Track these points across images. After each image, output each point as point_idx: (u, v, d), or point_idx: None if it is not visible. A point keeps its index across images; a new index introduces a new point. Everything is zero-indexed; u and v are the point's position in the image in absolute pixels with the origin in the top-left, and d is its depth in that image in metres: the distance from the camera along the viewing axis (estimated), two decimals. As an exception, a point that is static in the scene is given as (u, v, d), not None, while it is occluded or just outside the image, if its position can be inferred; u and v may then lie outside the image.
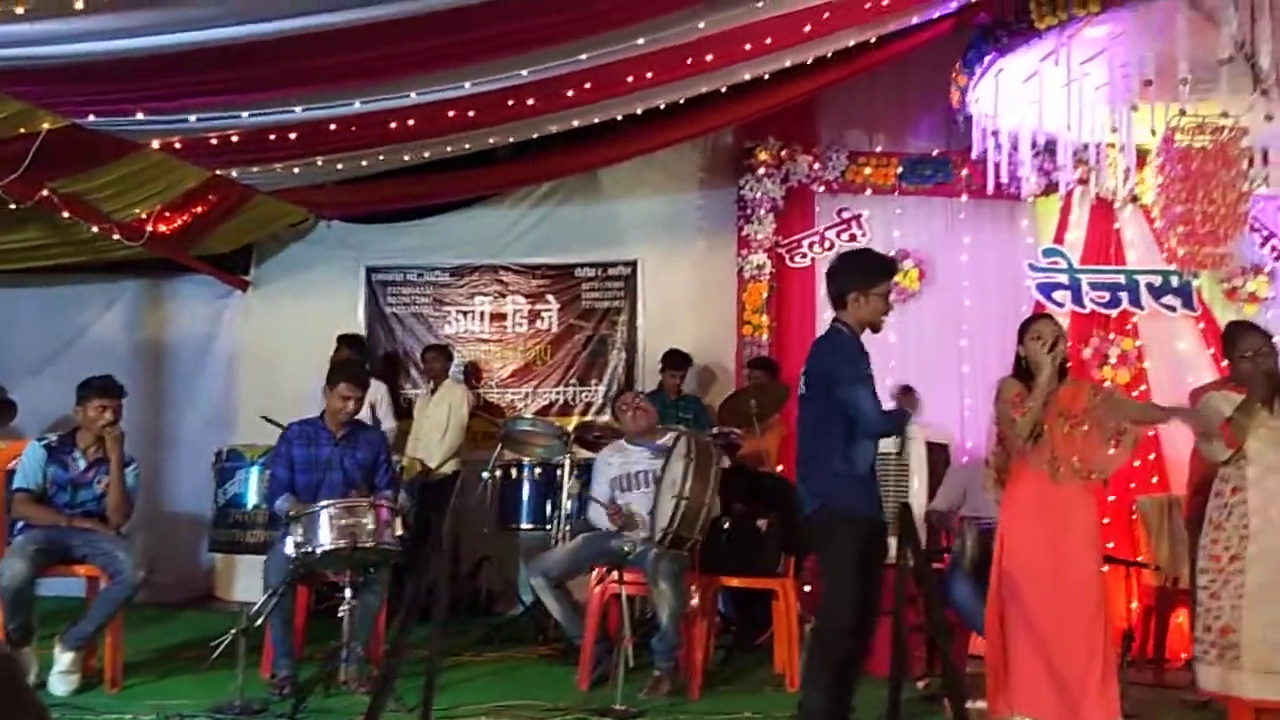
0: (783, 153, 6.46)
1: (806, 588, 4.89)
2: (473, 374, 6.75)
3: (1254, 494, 3.45)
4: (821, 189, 6.56)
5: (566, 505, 5.09)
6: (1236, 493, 3.49)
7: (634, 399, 4.78)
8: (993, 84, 5.29)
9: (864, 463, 3.18)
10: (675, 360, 6.14)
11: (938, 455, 5.39)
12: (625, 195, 6.75)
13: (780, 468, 5.73)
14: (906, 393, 5.63)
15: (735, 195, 6.53)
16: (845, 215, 6.60)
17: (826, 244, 6.56)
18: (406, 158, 5.62)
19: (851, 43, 5.40)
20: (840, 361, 3.16)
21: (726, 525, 4.47)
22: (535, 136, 5.66)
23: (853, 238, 6.56)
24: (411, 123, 4.81)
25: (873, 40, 5.47)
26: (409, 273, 6.87)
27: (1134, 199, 6.22)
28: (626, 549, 4.18)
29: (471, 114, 4.85)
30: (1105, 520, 5.80)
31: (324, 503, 3.90)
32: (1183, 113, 4.93)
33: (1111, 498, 5.93)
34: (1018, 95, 5.33)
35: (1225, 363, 3.99)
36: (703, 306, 6.58)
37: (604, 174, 6.71)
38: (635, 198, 6.75)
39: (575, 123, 5.53)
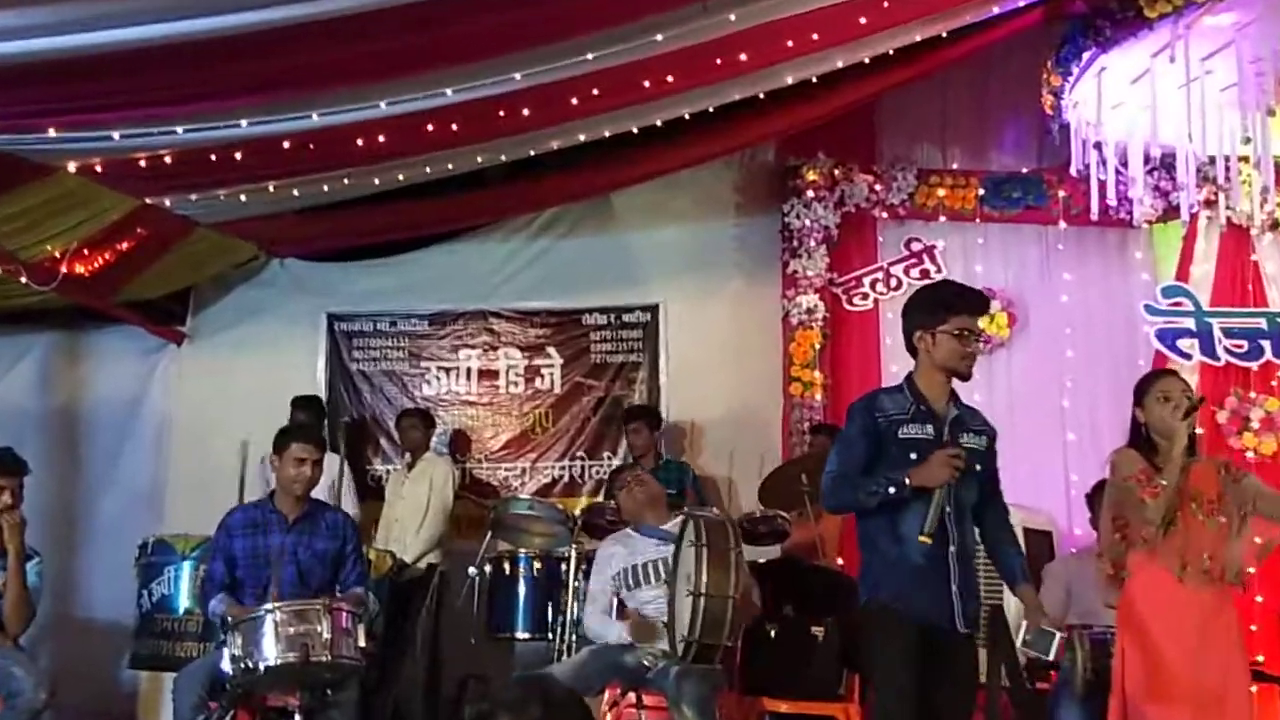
0: (836, 172, 6.47)
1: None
2: (458, 445, 6.71)
3: None
4: (885, 215, 6.54)
5: (572, 609, 4.96)
6: None
7: (632, 472, 4.70)
8: (1094, 86, 5.29)
9: (916, 549, 3.07)
10: (638, 414, 6.11)
11: (1038, 546, 5.27)
12: (643, 225, 6.77)
13: (841, 561, 5.61)
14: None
15: (778, 224, 6.53)
16: (915, 247, 6.58)
17: (893, 282, 6.52)
18: (376, 182, 5.66)
19: (919, 37, 5.41)
20: (845, 420, 3.25)
21: (773, 633, 4.40)
22: (533, 154, 5.70)
23: (925, 274, 6.52)
24: (382, 139, 4.84)
25: (944, 35, 5.48)
26: (379, 321, 6.89)
27: (1274, 224, 6.16)
28: (646, 663, 4.07)
29: (455, 128, 4.88)
30: (1252, 628, 5.65)
31: (268, 606, 3.82)
32: (1335, 115, 4.90)
33: (1259, 598, 5.75)
34: (1125, 99, 5.32)
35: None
36: (740, 360, 6.56)
37: (617, 199, 6.74)
38: (655, 228, 6.77)
39: (581, 137, 5.55)
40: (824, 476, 3.19)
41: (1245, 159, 5.55)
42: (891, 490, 3.03)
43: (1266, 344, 6.13)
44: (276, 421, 5.88)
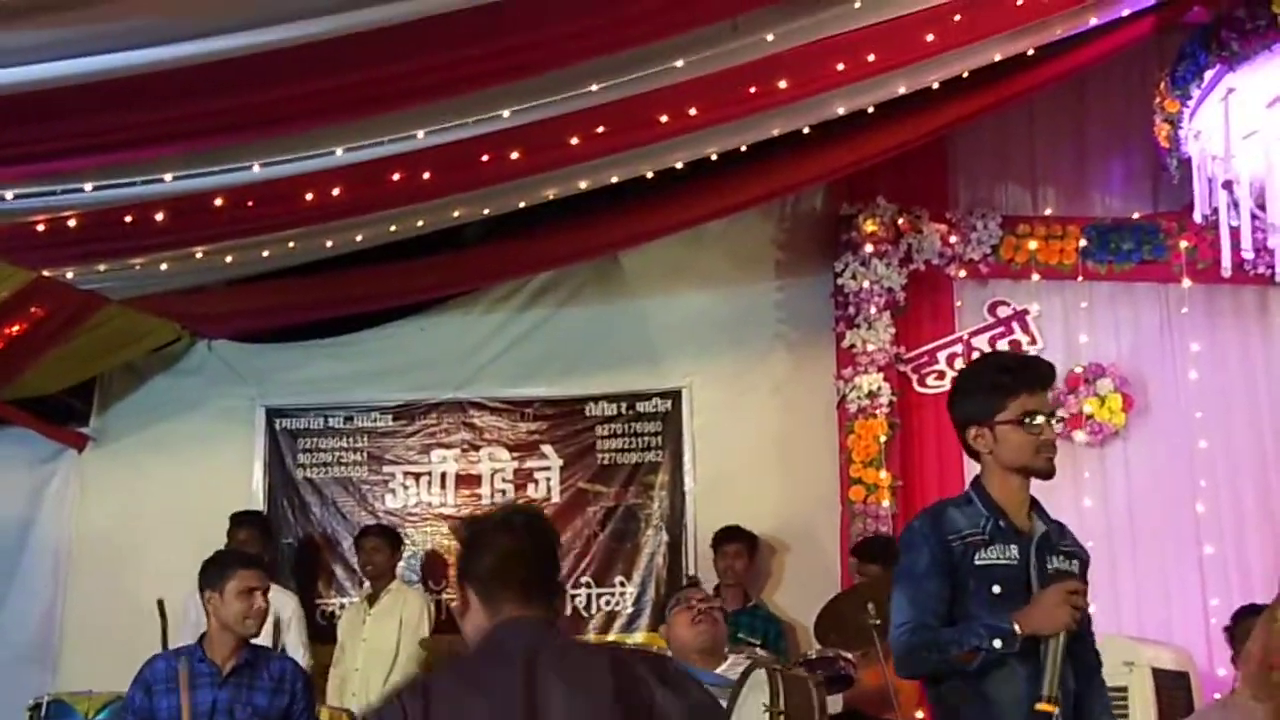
0: (900, 221, 6.54)
1: None
2: (432, 571, 6.70)
3: None
4: (963, 274, 6.60)
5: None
6: None
7: (707, 600, 4.67)
8: (1220, 111, 5.35)
9: (1005, 700, 2.90)
10: (732, 536, 6.12)
11: (1172, 691, 5.20)
12: (661, 291, 6.84)
13: (921, 716, 5.53)
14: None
15: (830, 286, 6.58)
16: (1002, 312, 6.62)
17: (974, 355, 6.53)
18: (329, 244, 5.72)
19: (998, 57, 5.50)
20: (901, 549, 3.07)
21: None
22: (523, 207, 5.75)
23: (1015, 346, 6.53)
24: (337, 192, 4.90)
25: (1030, 53, 5.57)
26: (331, 416, 6.91)
27: None
28: None
29: (426, 176, 4.94)
30: None
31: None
32: None
33: None
34: (1260, 127, 5.37)
35: None
36: (786, 458, 6.58)
37: (627, 261, 6.82)
38: (676, 295, 6.83)
39: (583, 185, 5.62)
40: (894, 631, 3.01)
41: None
42: (997, 644, 2.84)
43: None
44: (206, 545, 5.88)
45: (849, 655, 5.00)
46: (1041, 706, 2.81)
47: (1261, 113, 5.31)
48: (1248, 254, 5.70)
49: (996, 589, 2.92)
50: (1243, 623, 4.97)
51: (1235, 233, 5.60)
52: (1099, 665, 3.09)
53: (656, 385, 6.77)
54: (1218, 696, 5.54)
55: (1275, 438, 6.19)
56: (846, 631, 5.22)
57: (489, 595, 2.34)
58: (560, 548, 2.59)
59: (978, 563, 2.95)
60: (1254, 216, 5.63)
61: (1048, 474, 3.03)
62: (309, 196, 4.92)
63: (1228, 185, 5.54)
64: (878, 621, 5.18)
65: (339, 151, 4.60)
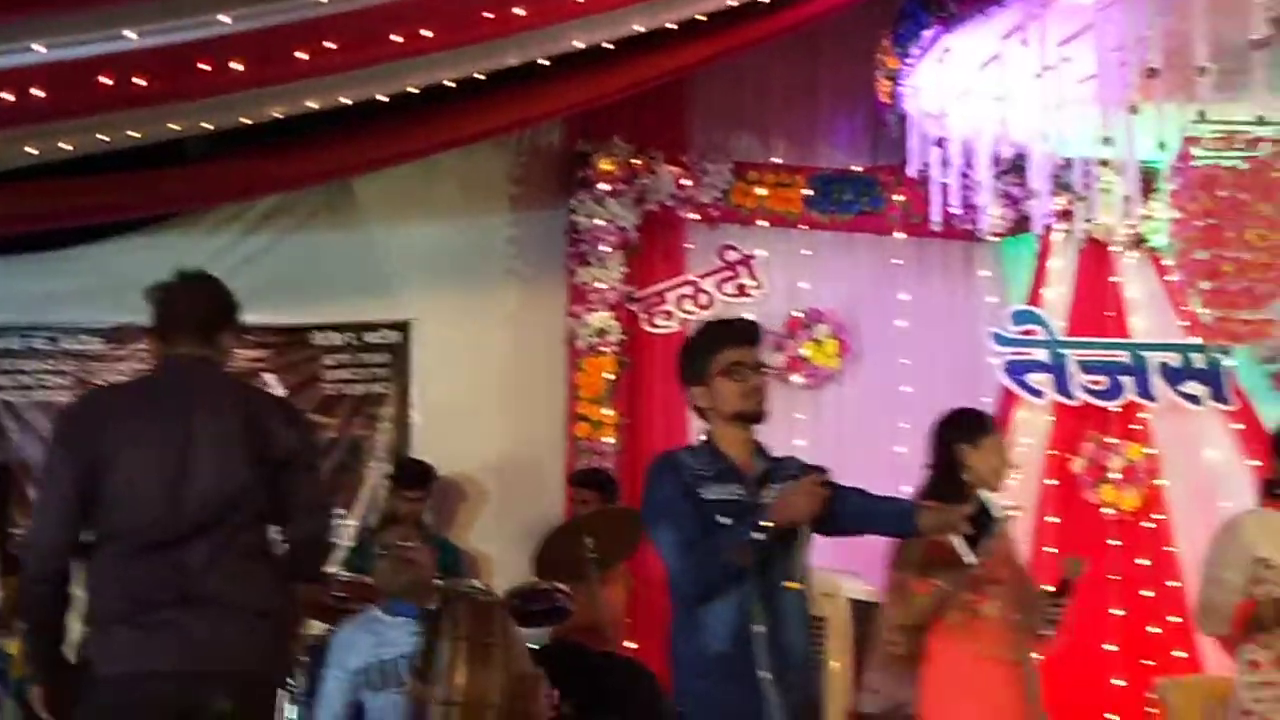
0: (636, 161, 6.54)
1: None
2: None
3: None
4: (696, 216, 6.65)
5: (290, 715, 4.78)
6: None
7: (403, 539, 4.63)
8: (937, 71, 5.51)
9: (718, 637, 3.18)
10: (410, 474, 6.05)
11: (871, 620, 5.39)
12: (393, 220, 6.67)
13: (636, 646, 5.60)
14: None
15: (565, 222, 6.56)
16: (731, 256, 6.73)
17: (703, 299, 6.64)
18: (32, 151, 5.32)
19: (734, 2, 5.53)
20: (645, 493, 3.36)
21: None
22: (249, 125, 5.51)
23: (741, 290, 6.66)
24: (41, 94, 4.60)
25: (767, 1, 5.63)
26: (34, 336, 6.53)
27: (1139, 241, 6.60)
28: None
29: (142, 83, 4.69)
30: (1112, 717, 5.99)
31: None
32: (1203, 117, 5.26)
33: (1123, 683, 6.10)
34: (973, 88, 5.57)
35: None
36: (514, 393, 6.55)
37: (360, 187, 6.62)
38: (409, 225, 6.68)
39: (311, 105, 5.41)
40: (671, 557, 3.23)
41: (1107, 163, 5.90)
42: (759, 535, 3.09)
43: (1128, 381, 6.51)
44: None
45: (564, 588, 5.04)
46: (790, 585, 3.21)
47: (974, 74, 5.49)
48: (956, 210, 5.90)
49: (725, 520, 3.18)
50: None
51: (945, 189, 5.80)
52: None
53: (385, 316, 6.62)
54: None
55: (971, 383, 6.46)
56: (564, 565, 5.26)
57: (164, 336, 3.38)
58: (234, 304, 3.52)
59: (706, 497, 3.22)
60: (963, 174, 5.85)
61: (759, 417, 3.32)
62: (8, 96, 4.57)
63: (940, 142, 5.74)
64: (596, 555, 5.23)
65: (39, 48, 4.28)
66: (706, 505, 3.21)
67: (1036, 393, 6.49)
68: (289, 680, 4.39)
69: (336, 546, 6.33)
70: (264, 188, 6.38)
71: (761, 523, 3.10)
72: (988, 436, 3.93)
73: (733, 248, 6.73)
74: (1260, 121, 5.19)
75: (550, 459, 6.45)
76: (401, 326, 6.62)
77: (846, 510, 3.23)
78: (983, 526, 3.28)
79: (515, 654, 4.29)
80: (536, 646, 4.93)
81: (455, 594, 4.25)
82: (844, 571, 5.81)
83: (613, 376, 6.39)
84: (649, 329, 6.62)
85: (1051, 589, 3.88)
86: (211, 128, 5.56)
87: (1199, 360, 6.47)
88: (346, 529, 6.40)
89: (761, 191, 6.66)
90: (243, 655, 3.17)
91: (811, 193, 6.67)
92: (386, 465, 6.50)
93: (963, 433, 3.96)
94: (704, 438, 3.36)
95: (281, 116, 5.48)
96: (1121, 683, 6.11)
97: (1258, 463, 5.82)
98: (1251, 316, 5.54)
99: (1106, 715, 6.05)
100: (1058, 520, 6.35)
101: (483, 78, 5.57)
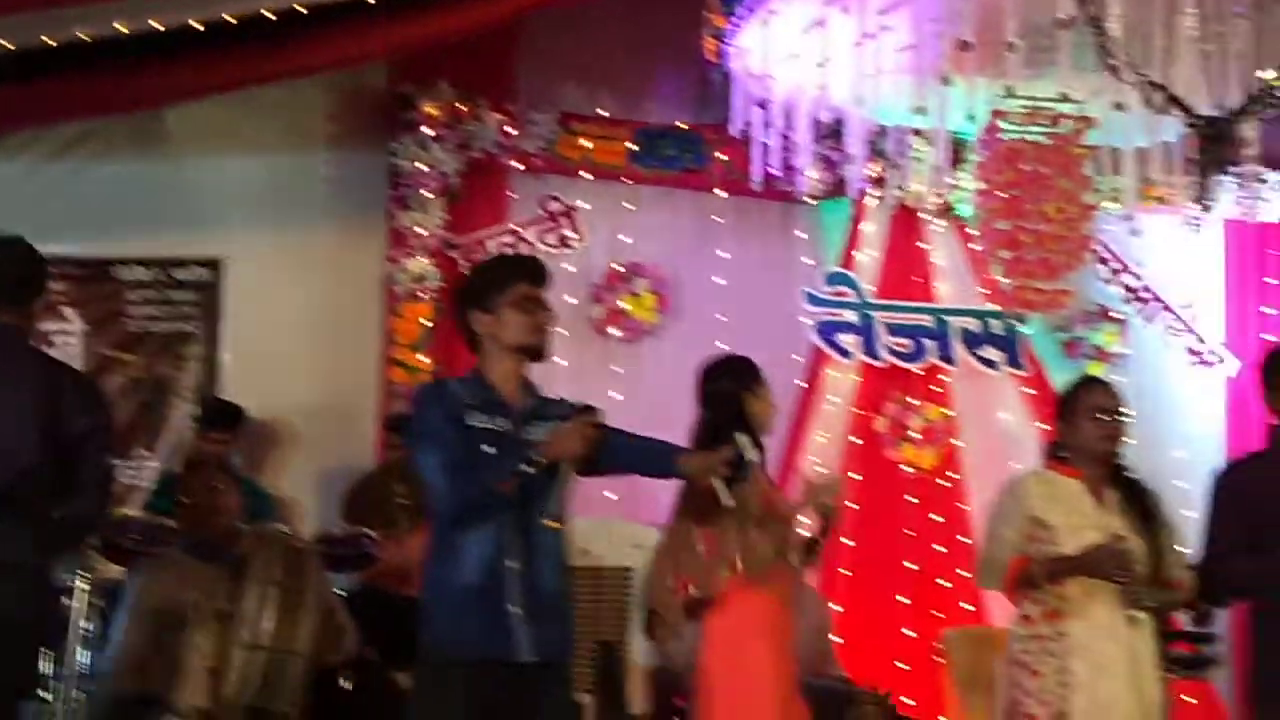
0: (461, 107, 6.45)
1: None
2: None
3: (1077, 624, 3.78)
4: (519, 165, 6.62)
5: (81, 658, 4.65)
6: (1054, 619, 3.81)
7: (204, 480, 4.55)
8: (762, 32, 5.57)
9: (471, 569, 3.19)
10: (218, 415, 5.93)
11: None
12: (207, 153, 6.47)
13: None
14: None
15: (386, 165, 6.44)
16: (553, 207, 6.70)
17: (524, 249, 6.59)
18: None
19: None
20: (412, 416, 3.39)
21: (349, 682, 4.40)
22: (53, 45, 5.26)
23: (563, 241, 6.66)
24: None
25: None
26: None
27: (947, 210, 6.81)
28: None
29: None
30: (906, 667, 6.24)
31: None
32: (1011, 92, 5.46)
33: (913, 634, 6.35)
34: (796, 51, 5.65)
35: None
36: (329, 336, 6.44)
37: (173, 116, 6.39)
38: (223, 160, 6.49)
39: (119, 27, 5.20)
40: (434, 478, 3.22)
41: (919, 132, 6.08)
42: (525, 467, 3.13)
43: (931, 344, 6.74)
44: None
45: (372, 533, 5.01)
46: (549, 523, 3.26)
47: (798, 38, 5.57)
48: (776, 171, 5.99)
49: (490, 449, 3.21)
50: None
51: (766, 150, 5.88)
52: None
53: (195, 253, 6.42)
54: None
55: (785, 340, 6.62)
56: (373, 509, 5.23)
57: None
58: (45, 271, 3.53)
59: (472, 424, 3.23)
60: (783, 136, 5.94)
61: (541, 354, 3.36)
62: None
63: (762, 103, 5.82)
64: (406, 500, 5.21)
65: None
66: (472, 433, 3.22)
67: (845, 353, 6.66)
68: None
69: (134, 489, 6.20)
70: (67, 113, 6.10)
71: (533, 456, 3.14)
72: (763, 385, 4.05)
73: (556, 198, 6.70)
74: (1063, 99, 5.43)
75: (364, 404, 6.36)
76: (212, 264, 6.44)
77: (612, 452, 3.29)
78: (739, 470, 3.35)
79: (325, 601, 4.29)
80: (344, 592, 4.93)
81: (264, 539, 4.24)
82: (652, 524, 5.90)
83: (430, 323, 6.32)
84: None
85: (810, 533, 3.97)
86: (12, 47, 5.28)
87: (997, 327, 6.72)
88: (148, 470, 6.23)
89: (586, 143, 6.64)
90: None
91: (636, 147, 6.67)
92: (193, 406, 6.33)
93: (745, 381, 4.05)
94: (474, 370, 3.36)
95: (88, 39, 5.24)
96: (912, 634, 6.36)
97: (1046, 426, 6.10)
98: (1047, 286, 5.81)
99: (897, 664, 6.29)
100: (859, 477, 6.54)
101: (304, 10, 5.42)
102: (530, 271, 3.43)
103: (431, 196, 6.38)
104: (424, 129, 6.35)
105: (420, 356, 6.26)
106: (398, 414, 6.08)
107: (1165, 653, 4.72)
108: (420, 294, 6.33)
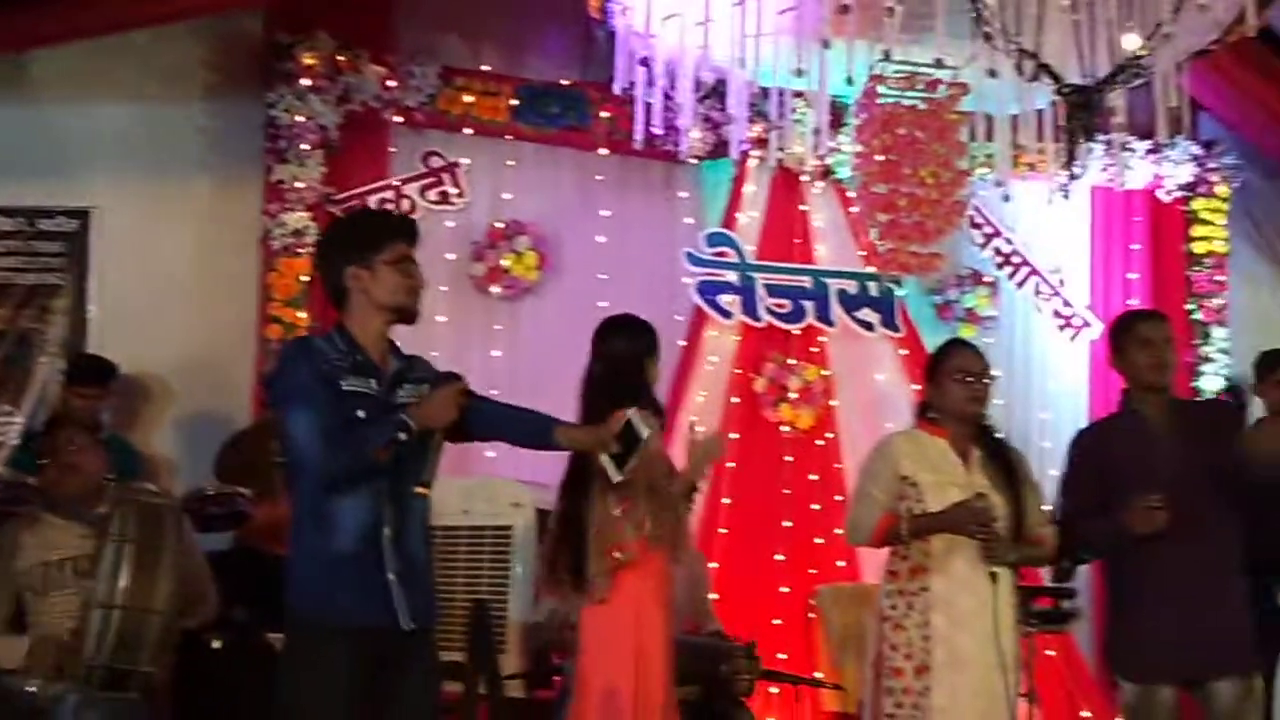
0: (340, 58, 6.33)
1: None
2: None
3: (938, 580, 3.89)
4: (400, 120, 6.53)
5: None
6: (918, 574, 3.91)
7: (69, 437, 4.44)
8: (646, -12, 5.57)
9: (348, 536, 3.13)
10: (86, 371, 5.79)
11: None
12: (74, 100, 6.27)
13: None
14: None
15: (263, 117, 6.30)
16: (435, 163, 6.64)
17: (405, 205, 6.54)
18: None
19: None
20: (277, 375, 3.25)
21: (218, 644, 4.36)
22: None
23: (444, 197, 6.61)
24: None
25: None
26: None
27: (827, 172, 6.89)
28: (32, 689, 3.90)
29: None
30: (778, 622, 6.36)
31: None
32: (888, 57, 5.53)
33: (787, 589, 6.47)
34: (680, 10, 5.64)
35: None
36: (203, 292, 6.31)
37: (38, 62, 6.18)
38: (92, 107, 6.29)
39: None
40: (307, 443, 3.11)
41: (800, 95, 6.13)
42: (402, 435, 3.07)
43: (810, 305, 6.83)
44: None
45: (246, 492, 4.94)
46: (420, 490, 3.21)
47: (680, -4, 5.57)
48: (658, 130, 5.99)
49: (361, 414, 3.13)
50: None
51: (649, 109, 5.87)
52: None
53: (62, 203, 6.21)
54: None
55: (667, 300, 6.65)
56: (247, 468, 5.16)
57: None
58: None
59: (345, 388, 3.14)
60: (666, 95, 5.94)
61: (414, 316, 3.29)
62: None
63: (645, 62, 5.80)
64: (281, 459, 5.13)
65: None
66: (346, 397, 3.14)
67: (726, 313, 6.72)
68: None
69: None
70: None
71: (408, 423, 3.08)
72: (658, 349, 4.10)
73: (437, 154, 6.63)
74: (939, 65, 5.50)
75: (239, 361, 6.24)
76: (80, 214, 6.23)
77: (484, 418, 3.27)
78: (630, 445, 3.24)
79: (187, 560, 4.24)
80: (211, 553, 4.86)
81: (124, 497, 4.17)
82: (531, 483, 5.90)
83: (308, 279, 6.21)
84: (349, 232, 6.48)
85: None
86: None
87: (874, 289, 6.84)
88: (13, 427, 6.05)
89: (468, 99, 6.57)
90: None
91: (518, 103, 6.62)
92: (60, 360, 6.16)
93: (646, 343, 4.10)
94: (337, 328, 3.25)
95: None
96: (786, 590, 6.48)
97: (919, 387, 6.22)
98: (922, 250, 5.93)
99: (773, 621, 6.40)
100: (738, 437, 6.61)
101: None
102: (409, 231, 3.35)
103: (309, 149, 6.25)
104: (302, 80, 6.21)
105: (298, 313, 6.16)
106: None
107: (1027, 607, 4.91)
108: (298, 249, 6.21)
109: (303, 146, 6.24)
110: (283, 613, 4.13)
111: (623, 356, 4.05)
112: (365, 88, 6.39)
